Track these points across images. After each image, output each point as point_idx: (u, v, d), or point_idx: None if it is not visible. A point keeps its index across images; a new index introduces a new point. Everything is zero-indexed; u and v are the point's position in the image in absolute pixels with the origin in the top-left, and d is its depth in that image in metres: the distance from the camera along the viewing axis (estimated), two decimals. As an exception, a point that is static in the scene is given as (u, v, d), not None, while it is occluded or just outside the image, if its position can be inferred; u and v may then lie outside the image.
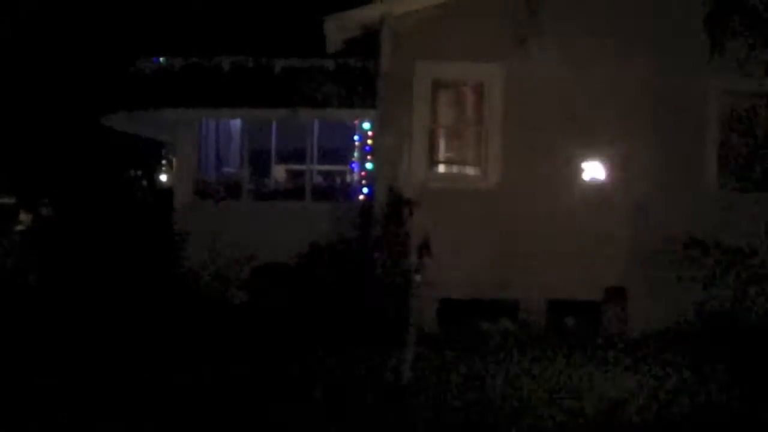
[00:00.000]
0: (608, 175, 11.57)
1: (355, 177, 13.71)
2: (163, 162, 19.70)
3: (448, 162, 12.32)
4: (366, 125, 12.71)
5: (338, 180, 15.20)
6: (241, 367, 8.67)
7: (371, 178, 12.37)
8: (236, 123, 14.55)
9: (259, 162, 14.14)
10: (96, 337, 9.71)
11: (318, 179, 14.19)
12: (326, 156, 14.43)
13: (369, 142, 12.66)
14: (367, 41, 12.08)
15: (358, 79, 12.36)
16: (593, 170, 11.58)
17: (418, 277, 8.02)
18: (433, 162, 11.94)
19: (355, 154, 13.94)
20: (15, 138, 17.46)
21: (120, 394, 7.62)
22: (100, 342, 9.51)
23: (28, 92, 17.27)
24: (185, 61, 12.88)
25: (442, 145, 12.18)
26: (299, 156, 13.43)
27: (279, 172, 14.96)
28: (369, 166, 12.51)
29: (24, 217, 15.27)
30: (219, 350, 9.37)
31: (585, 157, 11.54)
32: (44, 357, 8.90)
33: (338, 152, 14.72)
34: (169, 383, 8.02)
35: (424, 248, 8.21)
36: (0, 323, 10.38)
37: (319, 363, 8.92)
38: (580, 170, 11.56)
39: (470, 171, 12.15)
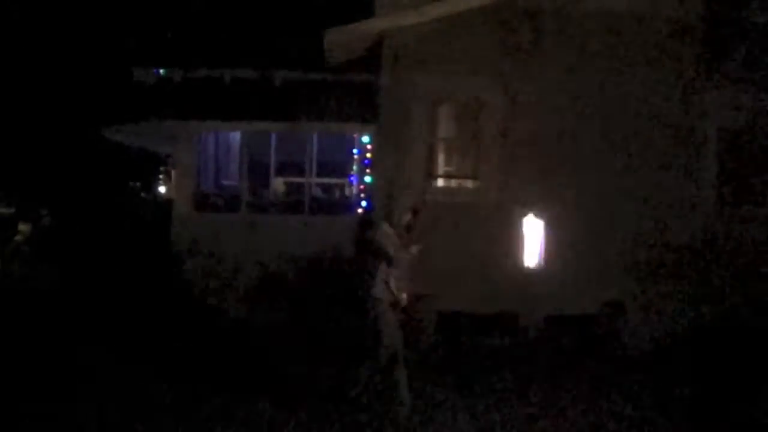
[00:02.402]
0: (605, 190, 11.59)
1: (354, 190, 13.72)
2: (162, 173, 19.71)
3: (446, 176, 12.34)
4: (365, 138, 12.73)
5: (337, 193, 15.22)
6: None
7: (370, 192, 12.39)
8: (236, 135, 14.57)
9: (258, 174, 14.15)
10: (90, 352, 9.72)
11: (317, 192, 14.21)
12: (325, 169, 14.45)
13: (368, 155, 12.68)
14: (368, 55, 12.13)
15: (357, 93, 12.39)
16: (589, 185, 11.60)
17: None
18: (432, 176, 11.96)
19: (354, 168, 13.96)
20: (14, 149, 17.47)
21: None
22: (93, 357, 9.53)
23: (28, 103, 17.29)
24: (186, 73, 12.92)
25: (441, 159, 12.20)
26: (298, 169, 13.45)
27: (278, 185, 14.96)
28: (368, 179, 12.53)
29: (23, 227, 15.27)
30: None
31: (582, 172, 11.57)
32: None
33: (337, 165, 14.74)
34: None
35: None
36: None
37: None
38: (578, 184, 11.58)
39: (469, 185, 12.17)
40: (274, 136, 14.34)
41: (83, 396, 8.03)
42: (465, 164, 12.25)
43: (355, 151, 13.75)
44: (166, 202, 15.40)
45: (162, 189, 19.42)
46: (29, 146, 17.46)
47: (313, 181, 13.40)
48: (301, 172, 13.28)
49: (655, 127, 11.63)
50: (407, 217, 8.01)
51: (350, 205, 13.52)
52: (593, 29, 11.61)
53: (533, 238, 8.75)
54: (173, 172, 14.49)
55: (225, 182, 15.12)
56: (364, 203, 12.59)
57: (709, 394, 8.74)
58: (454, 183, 12.39)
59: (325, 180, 14.99)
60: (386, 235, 7.85)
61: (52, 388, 8.26)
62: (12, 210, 16.90)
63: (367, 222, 12.00)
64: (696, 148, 11.79)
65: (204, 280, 12.01)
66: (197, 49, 15.32)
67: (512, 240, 11.39)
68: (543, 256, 9.08)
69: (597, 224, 11.50)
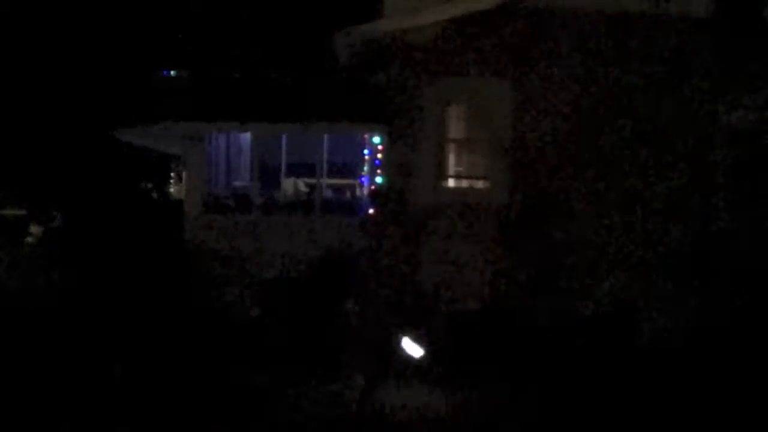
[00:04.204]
0: (615, 189, 11.58)
1: (365, 191, 13.72)
2: (173, 174, 19.71)
3: (457, 176, 12.35)
4: (376, 139, 12.72)
5: (348, 194, 15.22)
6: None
7: (381, 192, 12.38)
8: (246, 136, 14.59)
9: (269, 175, 14.16)
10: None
11: (328, 193, 14.20)
12: (336, 170, 14.45)
13: (379, 156, 12.66)
14: (378, 56, 12.14)
15: (368, 94, 12.39)
16: (599, 184, 11.59)
17: None
18: (443, 176, 11.97)
19: (365, 168, 13.95)
20: (25, 150, 17.50)
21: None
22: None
23: (38, 104, 17.32)
24: (196, 75, 12.94)
25: (451, 159, 12.22)
26: (309, 169, 13.45)
27: (289, 186, 14.98)
28: (379, 180, 12.53)
29: (34, 229, 15.31)
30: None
31: (592, 173, 11.57)
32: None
33: (348, 166, 14.74)
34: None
35: None
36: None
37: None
38: (587, 185, 11.57)
39: (479, 185, 12.17)
40: (284, 137, 14.36)
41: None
42: (475, 164, 12.26)
43: (365, 151, 13.74)
44: (178, 204, 15.41)
45: (173, 190, 19.42)
46: (40, 147, 17.48)
47: (324, 182, 13.39)
48: (312, 173, 13.28)
49: (666, 127, 11.60)
50: None
51: (361, 206, 13.52)
52: (603, 29, 11.60)
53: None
54: (184, 174, 14.50)
55: (236, 183, 15.14)
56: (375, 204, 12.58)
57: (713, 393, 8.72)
58: (465, 183, 12.41)
59: (336, 181, 14.99)
60: None
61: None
62: (23, 212, 16.93)
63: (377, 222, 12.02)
64: (705, 149, 11.76)
65: (215, 280, 12.03)
66: (208, 51, 15.36)
67: (523, 239, 11.43)
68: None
69: (606, 223, 11.49)
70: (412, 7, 11.60)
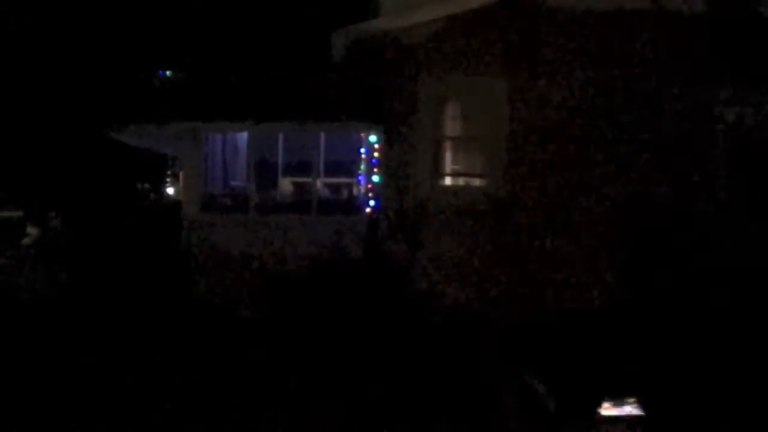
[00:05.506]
0: (613, 188, 11.56)
1: (362, 190, 13.70)
2: (170, 174, 19.71)
3: (454, 174, 12.34)
4: (372, 138, 12.70)
5: (345, 193, 15.19)
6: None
7: (378, 191, 12.38)
8: (243, 136, 14.57)
9: (265, 175, 14.13)
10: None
11: (325, 192, 14.18)
12: (333, 169, 14.42)
13: (376, 154, 12.64)
14: (375, 54, 12.14)
15: (365, 92, 12.37)
16: (591, 182, 11.57)
17: None
18: (440, 174, 11.96)
19: (362, 167, 13.93)
20: (21, 151, 17.50)
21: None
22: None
23: (34, 105, 17.32)
24: (192, 74, 12.92)
25: (448, 157, 12.21)
26: (307, 169, 13.44)
27: (286, 185, 14.96)
28: (376, 178, 12.51)
29: (31, 230, 15.28)
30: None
31: (590, 170, 11.55)
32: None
33: (345, 165, 14.72)
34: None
35: None
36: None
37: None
38: (584, 183, 11.56)
39: (476, 183, 12.17)
40: (281, 137, 14.33)
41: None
42: (472, 162, 12.26)
43: (362, 150, 13.72)
44: (175, 204, 15.39)
45: (171, 190, 19.42)
46: (37, 149, 17.48)
47: (321, 181, 13.36)
48: (308, 172, 13.27)
49: (663, 125, 11.61)
50: None
51: (358, 204, 13.50)
52: (600, 26, 11.61)
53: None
54: (181, 174, 14.47)
55: (233, 183, 15.12)
56: (372, 202, 12.57)
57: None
58: (461, 181, 12.40)
59: (333, 180, 14.97)
60: None
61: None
62: (20, 213, 16.91)
63: (375, 221, 12.00)
64: (704, 145, 11.75)
65: (212, 280, 12.02)
66: (203, 50, 15.32)
67: (518, 237, 11.43)
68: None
69: (604, 222, 11.48)
70: (408, 6, 11.61)
